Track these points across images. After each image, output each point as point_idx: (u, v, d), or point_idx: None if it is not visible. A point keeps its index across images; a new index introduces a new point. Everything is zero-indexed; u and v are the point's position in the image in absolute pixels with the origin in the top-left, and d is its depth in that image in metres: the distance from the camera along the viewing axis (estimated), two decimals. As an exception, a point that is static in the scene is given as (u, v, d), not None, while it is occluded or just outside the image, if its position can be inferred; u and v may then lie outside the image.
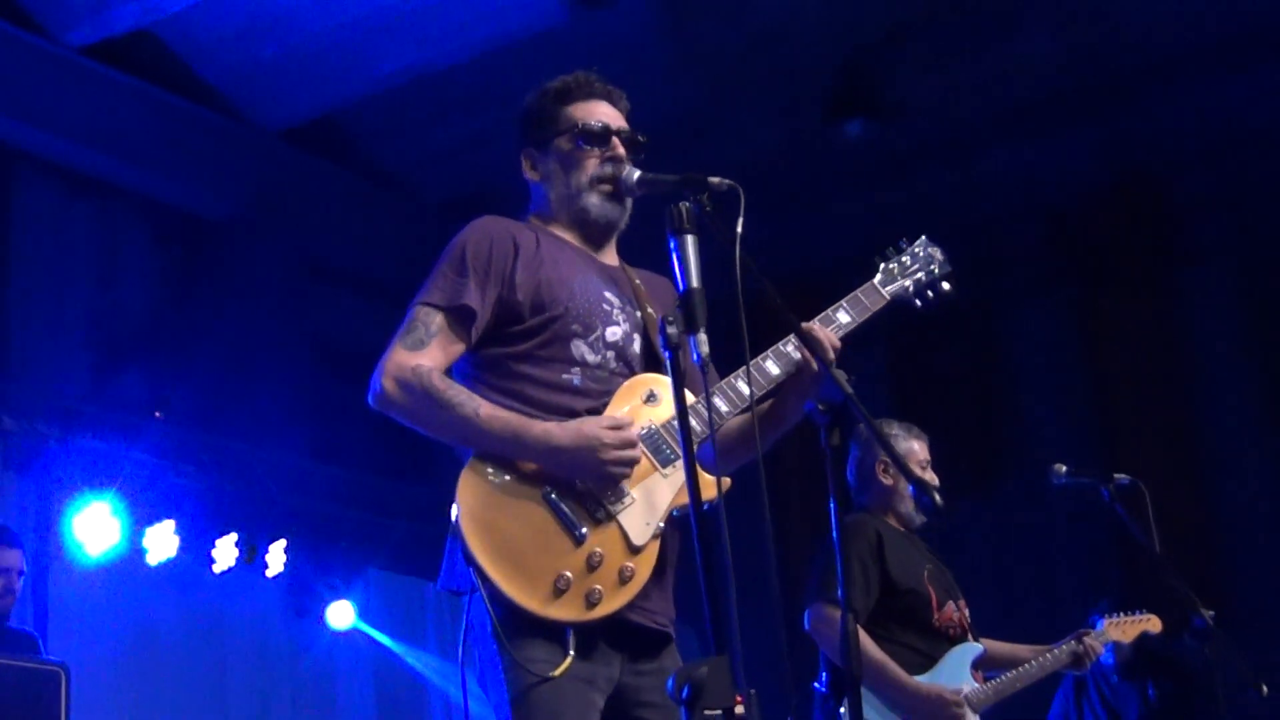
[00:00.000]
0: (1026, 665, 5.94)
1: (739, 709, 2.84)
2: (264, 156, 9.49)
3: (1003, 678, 5.85)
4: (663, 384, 3.72)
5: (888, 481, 6.01)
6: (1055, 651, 6.01)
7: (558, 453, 3.54)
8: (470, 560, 3.46)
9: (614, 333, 3.78)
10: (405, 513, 10.09)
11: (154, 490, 8.98)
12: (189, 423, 9.27)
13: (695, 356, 3.11)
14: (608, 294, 3.82)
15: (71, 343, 9.25)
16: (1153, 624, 6.37)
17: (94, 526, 8.56)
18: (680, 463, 3.58)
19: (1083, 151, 10.19)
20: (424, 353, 3.65)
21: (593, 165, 3.86)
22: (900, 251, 4.11)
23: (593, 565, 3.51)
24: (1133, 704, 8.46)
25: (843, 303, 3.92)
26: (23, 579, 6.73)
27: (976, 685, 5.78)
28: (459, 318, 3.70)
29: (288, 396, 9.46)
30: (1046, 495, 6.60)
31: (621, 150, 3.85)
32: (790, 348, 3.75)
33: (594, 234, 3.91)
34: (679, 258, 3.17)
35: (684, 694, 2.79)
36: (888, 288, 4.03)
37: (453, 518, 3.52)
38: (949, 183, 10.24)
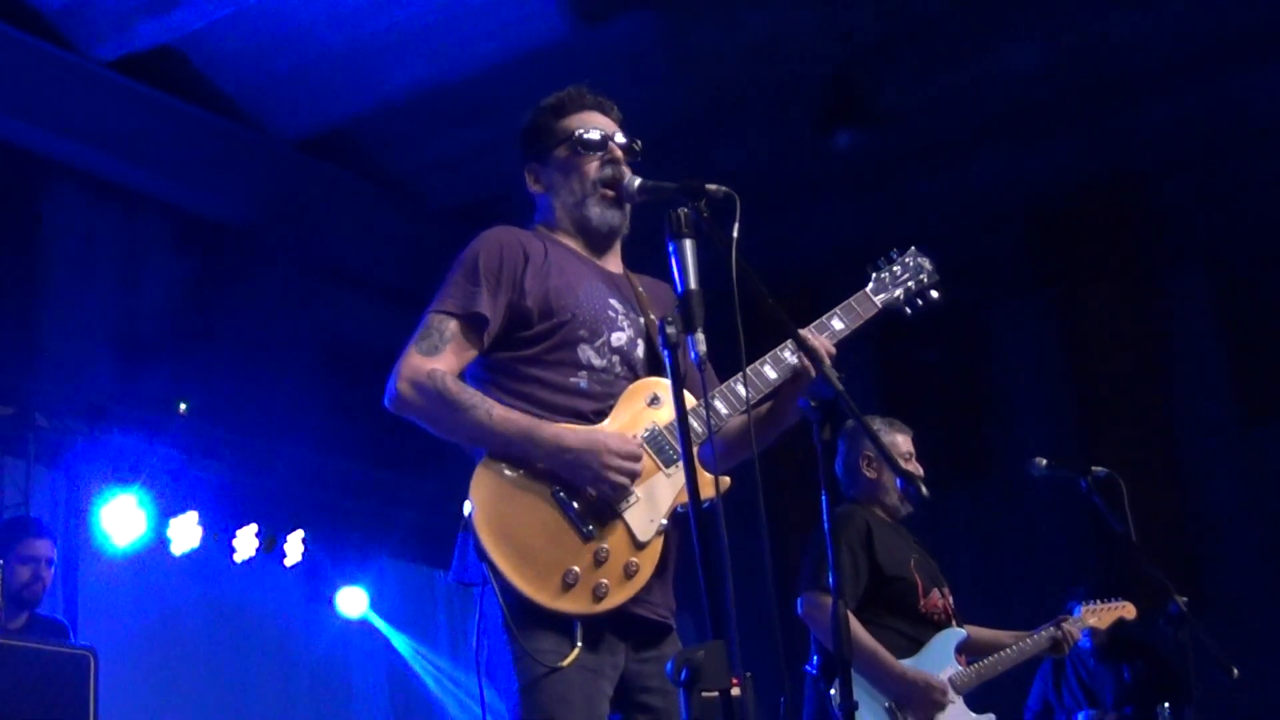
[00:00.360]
0: (1008, 650, 5.96)
1: (735, 690, 2.85)
2: (281, 165, 9.50)
3: (985, 661, 5.87)
4: (665, 387, 3.72)
5: (872, 475, 6.03)
6: (1035, 637, 6.03)
7: (566, 454, 3.55)
8: (483, 555, 3.47)
9: (619, 338, 3.79)
10: (416, 505, 10.10)
11: (178, 484, 9.01)
12: (211, 419, 9.28)
13: (693, 355, 3.13)
14: (612, 301, 3.83)
15: (98, 343, 9.26)
16: (1127, 611, 6.39)
17: (121, 518, 8.59)
18: (682, 463, 3.61)
19: (1064, 157, 10.19)
20: (439, 358, 3.66)
21: (593, 170, 3.86)
22: (891, 261, 4.13)
23: (599, 561, 3.52)
24: (1109, 685, 8.47)
25: (837, 310, 3.94)
26: (52, 568, 6.72)
27: (960, 668, 5.80)
28: (472, 324, 3.71)
29: (303, 394, 9.47)
30: (1028, 487, 6.62)
31: (619, 153, 3.86)
32: (788, 354, 3.76)
33: (597, 241, 3.92)
34: (677, 261, 3.19)
35: (683, 676, 2.80)
36: (879, 296, 4.05)
37: (466, 513, 3.52)
38: (936, 187, 10.24)
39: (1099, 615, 6.35)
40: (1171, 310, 10.74)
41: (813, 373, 3.68)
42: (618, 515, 3.56)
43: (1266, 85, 9.42)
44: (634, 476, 3.57)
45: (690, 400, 3.31)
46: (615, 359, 3.76)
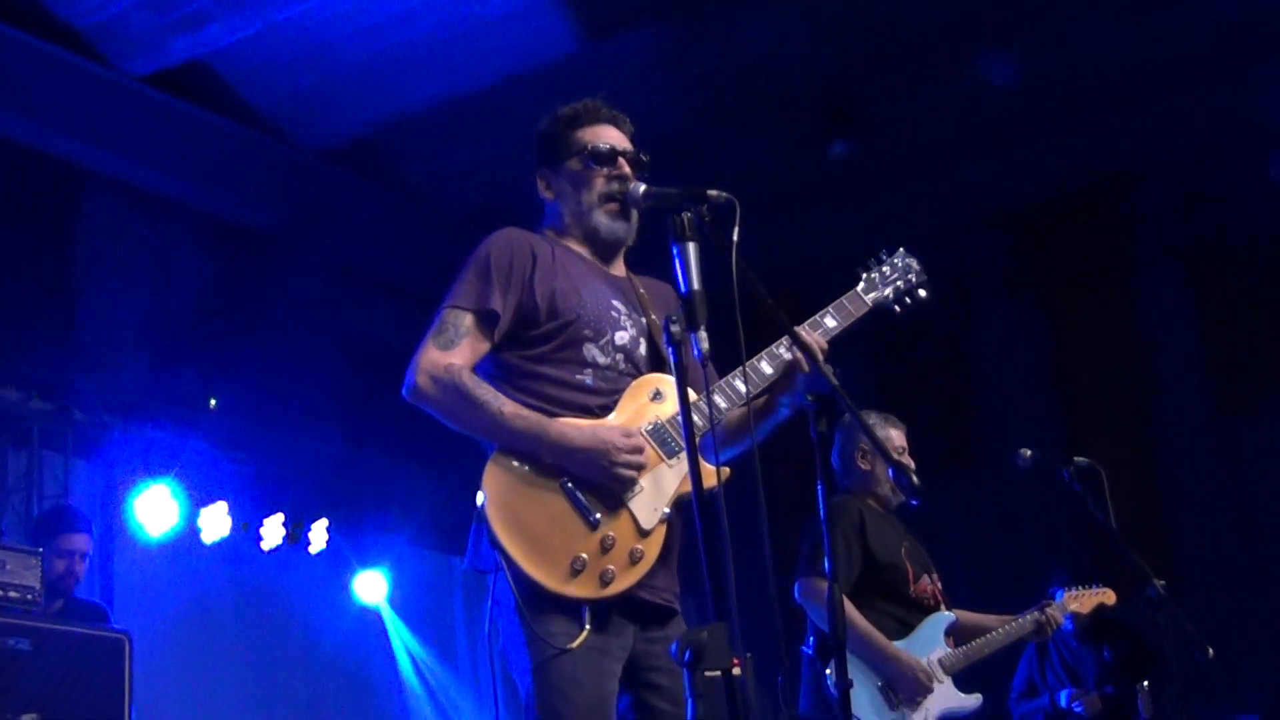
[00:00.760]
0: (995, 633, 5.96)
1: (736, 670, 2.85)
2: (304, 174, 9.50)
3: (973, 644, 5.87)
4: (667, 383, 3.75)
5: (866, 467, 6.04)
6: (1020, 620, 6.03)
7: (572, 452, 3.56)
8: (495, 544, 3.48)
9: (622, 337, 3.80)
10: (433, 495, 10.10)
11: (208, 475, 9.02)
12: (239, 414, 9.29)
13: (696, 352, 3.13)
14: (615, 302, 3.84)
15: (132, 342, 9.26)
16: (1107, 596, 6.39)
17: (154, 508, 8.60)
18: (684, 454, 3.61)
19: (1047, 165, 10.18)
20: (455, 352, 3.67)
21: (600, 184, 3.87)
22: (881, 262, 4.14)
23: (606, 547, 3.53)
24: (1090, 666, 8.47)
25: (829, 309, 3.95)
26: (86, 561, 6.73)
27: (949, 650, 5.80)
28: (485, 319, 3.72)
29: (326, 390, 9.47)
30: (1013, 477, 6.59)
31: (627, 169, 3.87)
32: (782, 349, 3.77)
33: (603, 249, 3.93)
34: (681, 263, 3.19)
35: (686, 657, 2.81)
36: (870, 295, 4.06)
37: (479, 504, 3.54)
38: (926, 194, 10.24)
39: (1080, 599, 6.35)
40: (1149, 309, 10.74)
41: (805, 367, 3.68)
42: (623, 504, 3.57)
43: (1238, 96, 9.40)
44: (639, 468, 3.57)
45: (691, 395, 3.31)
46: (619, 357, 3.77)
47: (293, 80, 8.72)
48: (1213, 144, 9.91)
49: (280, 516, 9.43)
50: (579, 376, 3.73)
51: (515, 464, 3.59)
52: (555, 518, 3.54)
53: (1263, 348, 10.18)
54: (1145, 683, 7.03)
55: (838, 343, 3.88)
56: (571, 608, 3.50)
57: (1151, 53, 9.03)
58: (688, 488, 3.56)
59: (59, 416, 8.61)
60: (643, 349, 3.84)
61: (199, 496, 8.93)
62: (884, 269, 4.13)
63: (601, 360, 3.76)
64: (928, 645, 5.76)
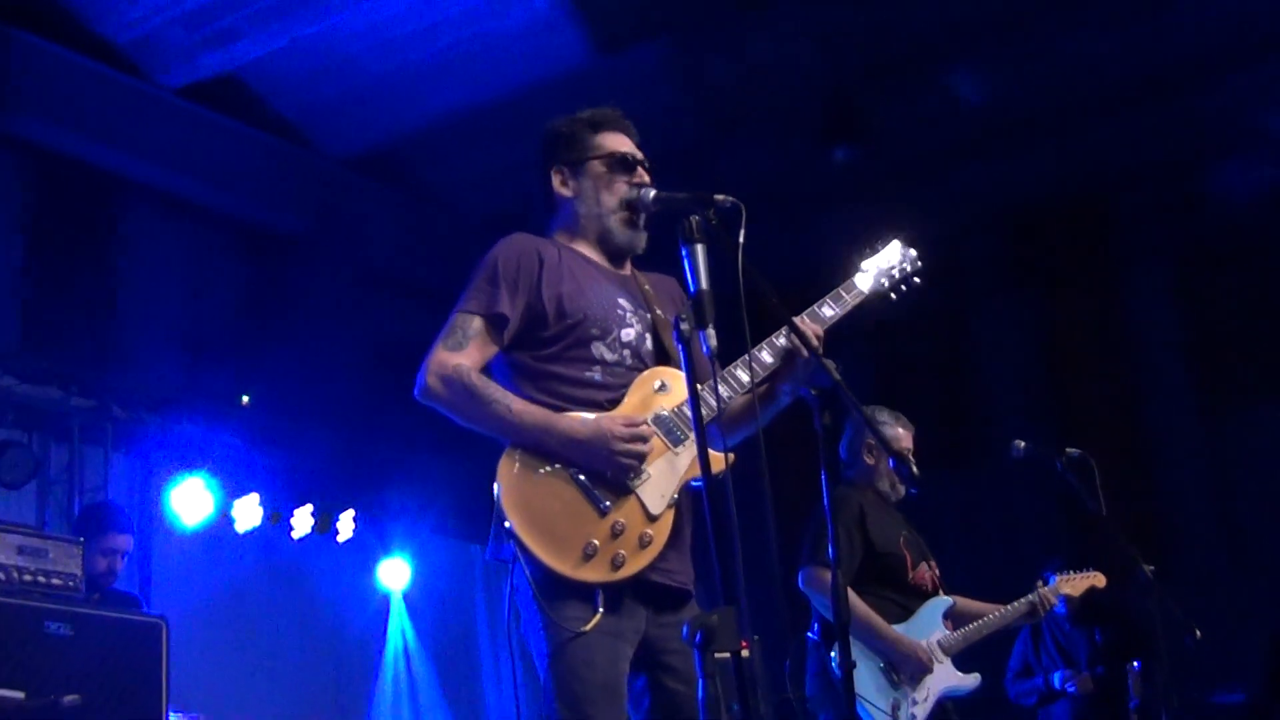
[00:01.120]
0: (990, 616, 5.95)
1: (744, 652, 2.85)
2: (331, 181, 9.50)
3: (970, 627, 5.87)
4: (671, 375, 3.75)
5: (870, 461, 6.04)
6: (1014, 605, 6.01)
7: (578, 444, 3.56)
8: (511, 533, 3.48)
9: (628, 334, 3.80)
10: (454, 486, 10.10)
11: (241, 468, 9.03)
12: (269, 410, 9.30)
13: (705, 349, 3.13)
14: (621, 300, 3.83)
15: (167, 342, 9.28)
16: (1098, 580, 6.38)
17: (190, 499, 8.62)
18: (689, 442, 3.62)
19: (1038, 170, 10.16)
20: (463, 353, 3.68)
21: (621, 189, 3.87)
22: (876, 252, 4.14)
23: (616, 533, 3.52)
24: (1082, 647, 8.45)
25: (826, 299, 3.96)
26: (126, 559, 6.74)
27: (948, 633, 5.79)
28: (493, 323, 3.72)
29: (352, 386, 9.48)
30: (1008, 468, 6.57)
31: (646, 178, 3.88)
32: (781, 339, 3.77)
33: (613, 253, 3.93)
34: (690, 263, 3.19)
35: (698, 639, 2.80)
36: (866, 284, 4.07)
37: (495, 496, 3.54)
38: (923, 198, 10.21)
39: (1073, 583, 6.34)
40: (1137, 307, 10.73)
41: (803, 352, 3.69)
42: (630, 491, 3.57)
43: (1220, 101, 9.40)
44: (641, 456, 3.57)
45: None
46: (626, 353, 3.78)
47: (318, 92, 8.73)
48: (1197, 148, 9.89)
49: (309, 507, 9.44)
50: (588, 374, 3.73)
51: (527, 457, 3.58)
52: (566, 506, 3.54)
53: (1246, 343, 10.16)
54: (1135, 663, 7.00)
55: (840, 340, 3.88)
56: (585, 592, 3.50)
57: (1137, 61, 9.03)
58: (694, 474, 3.61)
59: (99, 413, 8.62)
60: (648, 344, 3.84)
61: (232, 488, 8.94)
62: (879, 259, 4.13)
63: (609, 357, 3.75)
64: (927, 628, 5.75)
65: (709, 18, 8.43)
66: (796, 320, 3.74)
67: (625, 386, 3.73)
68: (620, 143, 3.93)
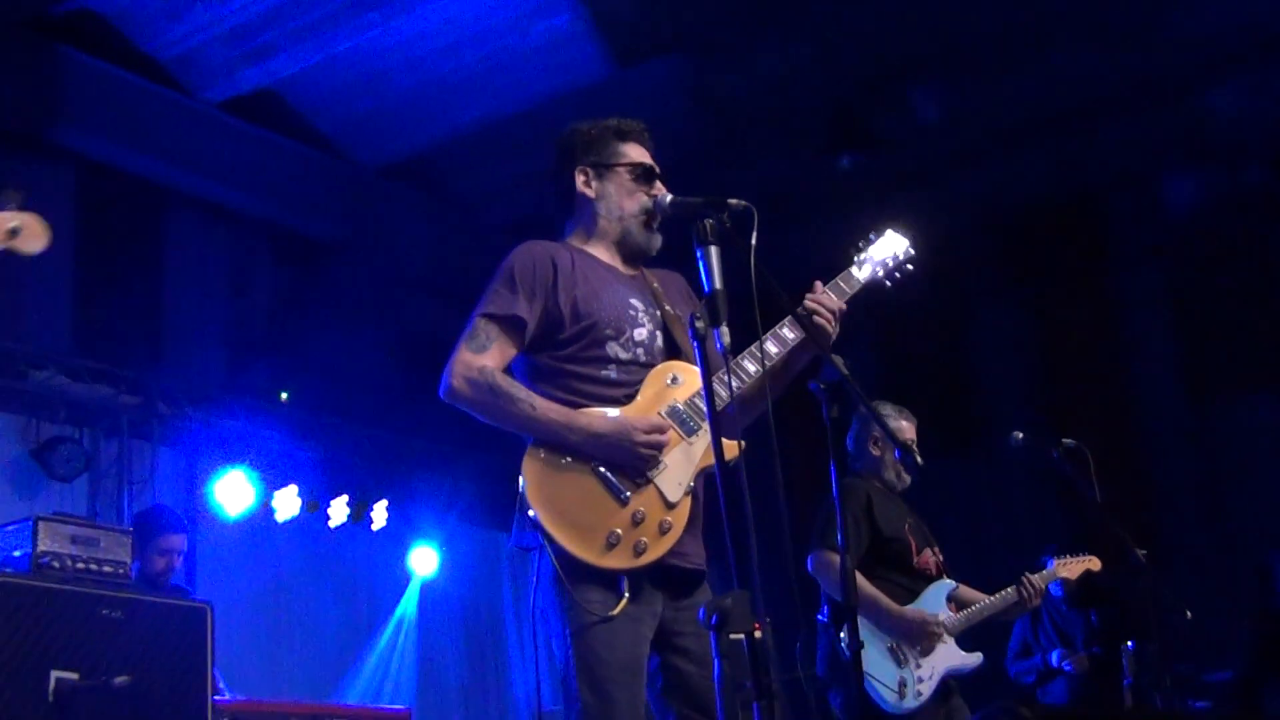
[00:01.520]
0: (989, 600, 5.92)
1: (757, 633, 2.84)
2: (363, 190, 9.52)
3: (970, 609, 5.85)
4: (682, 369, 3.76)
5: (877, 452, 6.02)
6: (1003, 594, 5.98)
7: (597, 438, 3.56)
8: (536, 524, 3.49)
9: (640, 333, 3.80)
10: (481, 477, 10.12)
11: (280, 461, 9.06)
12: (307, 406, 9.33)
13: (719, 345, 3.12)
14: (632, 300, 3.84)
15: (211, 342, 9.32)
16: (1093, 563, 6.35)
17: (232, 491, 8.65)
18: (702, 432, 3.63)
19: (1034, 175, 10.14)
20: (486, 355, 3.68)
21: (642, 198, 3.88)
22: (870, 243, 4.15)
23: (637, 521, 3.52)
24: (1079, 628, 8.43)
25: (826, 289, 3.95)
26: (182, 557, 6.76)
27: (951, 614, 5.78)
28: (512, 325, 3.73)
29: (385, 383, 9.50)
30: (1007, 457, 6.55)
31: (663, 190, 3.88)
32: (786, 330, 3.78)
33: (629, 255, 3.93)
34: (704, 264, 3.18)
35: (713, 621, 2.80)
36: (862, 273, 4.07)
37: (520, 489, 3.54)
38: (924, 202, 10.17)
39: (1069, 567, 6.32)
40: (1127, 305, 10.71)
41: (828, 322, 3.75)
42: (649, 481, 3.58)
43: (1204, 111, 9.37)
44: (660, 448, 3.57)
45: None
46: (639, 351, 3.78)
47: (351, 105, 8.75)
48: (1182, 157, 9.87)
49: (345, 497, 9.46)
50: (604, 372, 3.73)
51: (549, 452, 3.59)
52: (589, 498, 3.54)
53: (1231, 337, 10.13)
54: (1129, 643, 6.98)
55: (846, 338, 3.87)
56: (609, 579, 3.50)
57: (1125, 74, 9.00)
58: (707, 462, 3.60)
59: (146, 409, 8.65)
60: (660, 341, 3.84)
61: (272, 480, 8.97)
62: (873, 249, 4.14)
63: (623, 356, 3.76)
64: (931, 610, 5.74)
65: (719, 33, 8.43)
66: (814, 294, 3.81)
67: (639, 382, 3.73)
68: (643, 155, 3.94)
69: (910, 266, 4.14)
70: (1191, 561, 9.34)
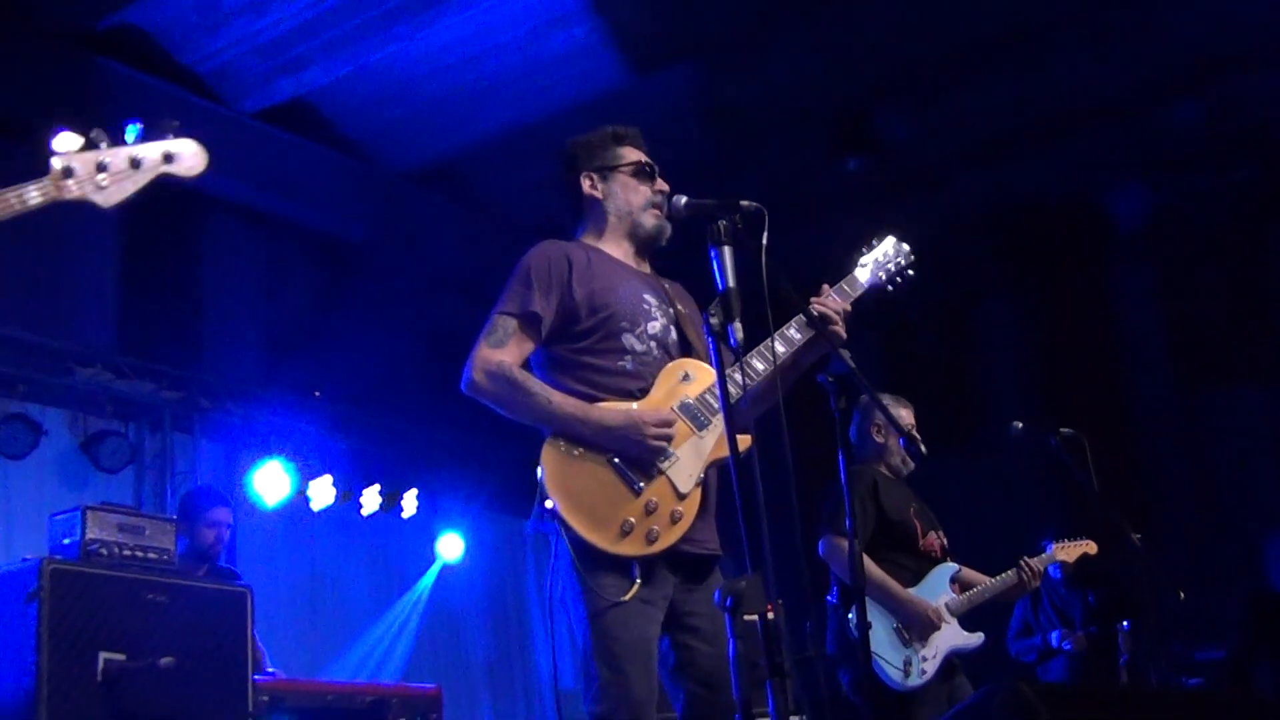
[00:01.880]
0: (990, 582, 5.91)
1: (770, 615, 2.85)
2: (392, 194, 9.53)
3: (972, 591, 5.84)
4: (694, 366, 3.78)
5: (880, 440, 6.01)
6: (1002, 577, 5.97)
7: (610, 430, 3.58)
8: (554, 513, 3.50)
9: (654, 327, 3.82)
10: (505, 467, 10.13)
11: (315, 452, 9.08)
12: (341, 400, 9.35)
13: (732, 341, 3.13)
14: (646, 295, 3.85)
15: (249, 340, 9.33)
16: (1090, 547, 6.35)
17: (270, 481, 8.67)
18: (713, 426, 3.64)
19: (1031, 177, 10.12)
20: (504, 350, 3.70)
21: (646, 193, 3.93)
22: (873, 249, 4.16)
23: (650, 510, 3.53)
24: (1077, 609, 8.41)
25: (832, 291, 3.96)
26: (230, 530, 6.78)
27: (955, 596, 5.78)
28: (529, 322, 3.74)
29: (414, 378, 9.50)
30: (1007, 446, 6.54)
31: (665, 186, 3.93)
32: (791, 330, 3.80)
33: (641, 246, 3.96)
34: (718, 264, 3.19)
35: (728, 603, 2.81)
36: (864, 278, 4.08)
37: (539, 479, 3.56)
38: (928, 203, 10.18)
39: (1067, 551, 6.32)
40: (1121, 300, 10.70)
41: (829, 338, 3.73)
42: (661, 472, 3.59)
43: (1197, 112, 9.34)
44: (669, 440, 3.57)
45: (714, 374, 3.36)
46: (653, 344, 3.79)
47: (380, 113, 8.75)
48: (1174, 161, 9.84)
49: (377, 487, 9.48)
50: (620, 363, 3.74)
51: (566, 444, 3.60)
52: (604, 487, 3.55)
53: (1221, 330, 10.13)
54: (1125, 623, 6.97)
55: (851, 332, 3.87)
56: (623, 564, 3.52)
57: (1120, 78, 8.97)
58: (717, 454, 3.64)
59: (187, 404, 8.68)
60: (673, 335, 3.86)
61: (307, 471, 8.99)
62: (876, 255, 4.15)
63: (638, 348, 3.76)
64: (935, 591, 5.74)
65: (730, 42, 8.42)
66: (821, 297, 3.84)
67: (653, 375, 3.74)
68: (639, 156, 3.99)
69: (911, 272, 4.16)
70: (1184, 545, 9.33)
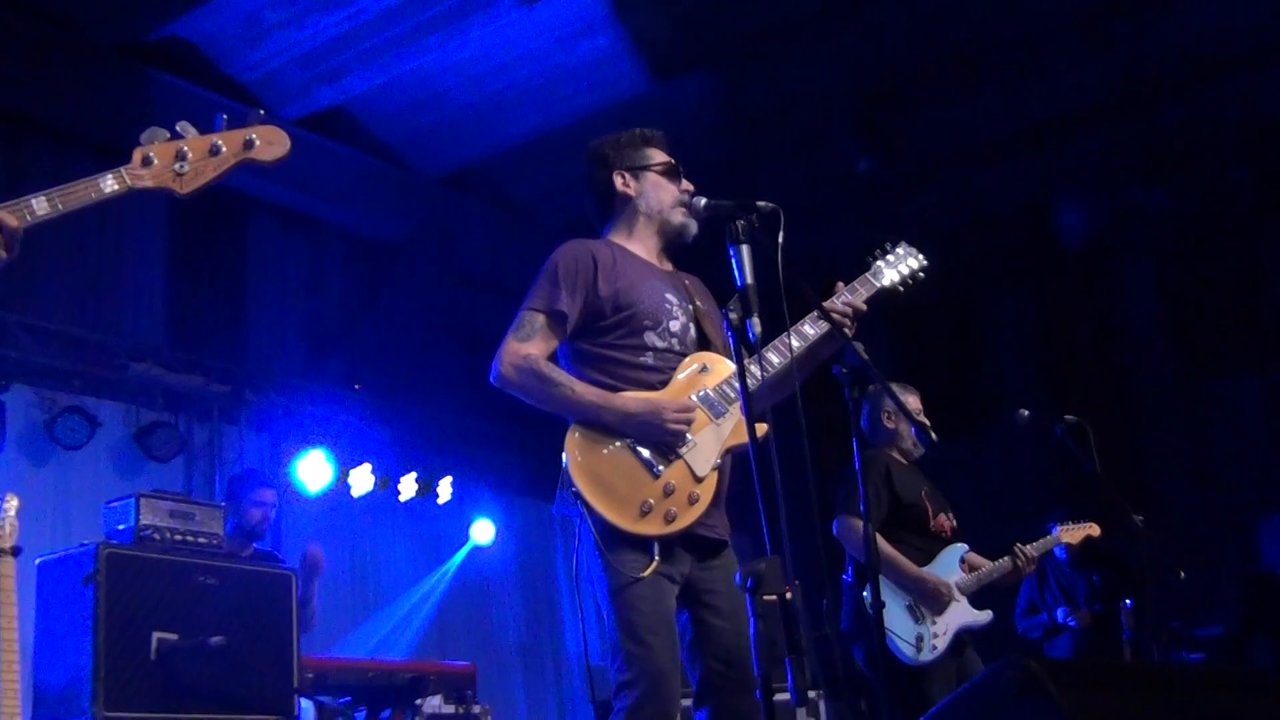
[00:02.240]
0: (996, 563, 5.89)
1: (788, 595, 2.85)
2: (427, 196, 9.55)
3: (980, 571, 5.82)
4: (711, 358, 3.80)
5: (891, 426, 6.00)
6: (1000, 561, 5.94)
7: (631, 417, 3.59)
8: (578, 496, 3.52)
9: (675, 324, 3.83)
10: (534, 455, 10.14)
11: (355, 442, 9.09)
12: (379, 392, 9.37)
13: (750, 335, 3.12)
14: (668, 295, 3.86)
15: (291, 336, 9.37)
16: (1093, 529, 6.33)
17: (312, 470, 8.68)
18: (729, 415, 3.66)
19: (1037, 176, 10.08)
20: (531, 344, 3.72)
21: (675, 192, 3.94)
22: (886, 251, 4.14)
23: (668, 493, 3.55)
24: (1081, 587, 8.38)
25: (844, 291, 3.95)
26: (275, 510, 6.79)
27: (964, 575, 5.76)
28: (555, 318, 3.75)
29: (449, 372, 9.53)
30: (1013, 434, 6.53)
31: (690, 185, 3.94)
32: (806, 327, 3.79)
33: (667, 242, 3.98)
34: (736, 261, 3.18)
35: (749, 583, 2.80)
36: (877, 279, 4.06)
37: (563, 464, 3.58)
38: (937, 202, 10.16)
39: (1072, 533, 6.30)
40: (1122, 293, 10.66)
41: (842, 332, 3.72)
42: (679, 457, 3.60)
43: (1193, 113, 9.30)
44: (688, 425, 3.59)
45: (732, 366, 3.39)
46: (674, 340, 3.80)
47: (415, 119, 8.77)
48: (1172, 161, 9.79)
49: (414, 474, 9.49)
50: (641, 358, 3.75)
51: (588, 431, 3.61)
52: (625, 471, 3.56)
53: (1218, 322, 10.09)
54: (1128, 601, 6.94)
55: (864, 324, 3.87)
56: (642, 543, 3.53)
57: (1118, 81, 8.93)
58: (733, 441, 3.65)
59: (234, 397, 8.70)
60: (692, 332, 3.86)
61: (348, 459, 9.00)
62: (889, 257, 4.13)
63: (659, 344, 3.78)
64: (945, 570, 5.72)
65: (747, 49, 8.41)
66: (835, 295, 3.83)
67: (673, 369, 3.76)
68: (665, 157, 4.00)
69: (922, 275, 4.13)
70: (1183, 527, 9.30)
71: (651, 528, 3.52)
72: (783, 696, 3.00)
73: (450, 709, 6.52)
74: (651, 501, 3.52)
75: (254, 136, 3.04)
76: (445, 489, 9.68)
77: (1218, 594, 8.54)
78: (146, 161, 2.85)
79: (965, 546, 5.83)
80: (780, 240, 3.22)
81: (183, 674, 4.96)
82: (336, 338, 9.52)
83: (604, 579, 3.53)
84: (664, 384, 3.72)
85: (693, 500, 3.58)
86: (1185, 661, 8.15)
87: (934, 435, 4.06)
